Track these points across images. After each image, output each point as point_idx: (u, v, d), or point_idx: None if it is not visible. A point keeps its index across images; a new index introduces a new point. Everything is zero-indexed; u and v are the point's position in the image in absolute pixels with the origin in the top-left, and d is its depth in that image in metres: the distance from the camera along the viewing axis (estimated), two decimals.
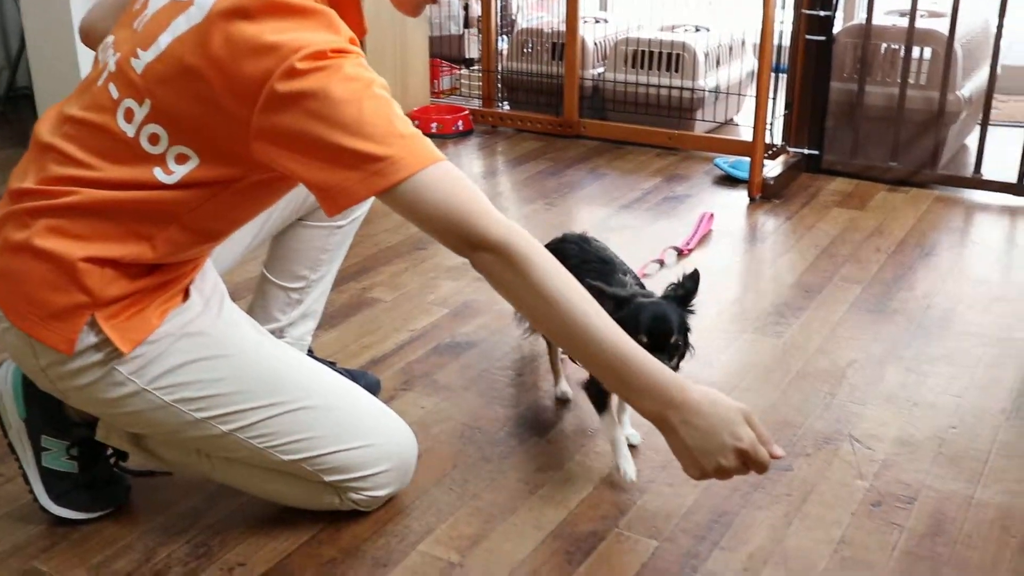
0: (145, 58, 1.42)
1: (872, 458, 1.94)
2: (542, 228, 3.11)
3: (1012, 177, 3.36)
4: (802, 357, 2.32)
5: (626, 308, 1.74)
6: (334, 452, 1.65)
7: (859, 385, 2.20)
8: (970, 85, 3.57)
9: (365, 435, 1.69)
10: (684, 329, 1.76)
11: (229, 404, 1.58)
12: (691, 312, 1.79)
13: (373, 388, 2.10)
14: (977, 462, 1.92)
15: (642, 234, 3.10)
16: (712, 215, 3.13)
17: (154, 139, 1.43)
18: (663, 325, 1.72)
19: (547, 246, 1.85)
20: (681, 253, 2.89)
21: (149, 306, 1.53)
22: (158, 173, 1.43)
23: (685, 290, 1.78)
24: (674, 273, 2.69)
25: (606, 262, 1.99)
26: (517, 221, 3.17)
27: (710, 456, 1.42)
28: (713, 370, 2.25)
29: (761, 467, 1.43)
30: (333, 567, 1.64)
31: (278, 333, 1.98)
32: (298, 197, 1.85)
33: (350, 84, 1.35)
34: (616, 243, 3.00)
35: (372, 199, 1.48)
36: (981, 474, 1.88)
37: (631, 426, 1.96)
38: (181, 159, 1.43)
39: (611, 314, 1.50)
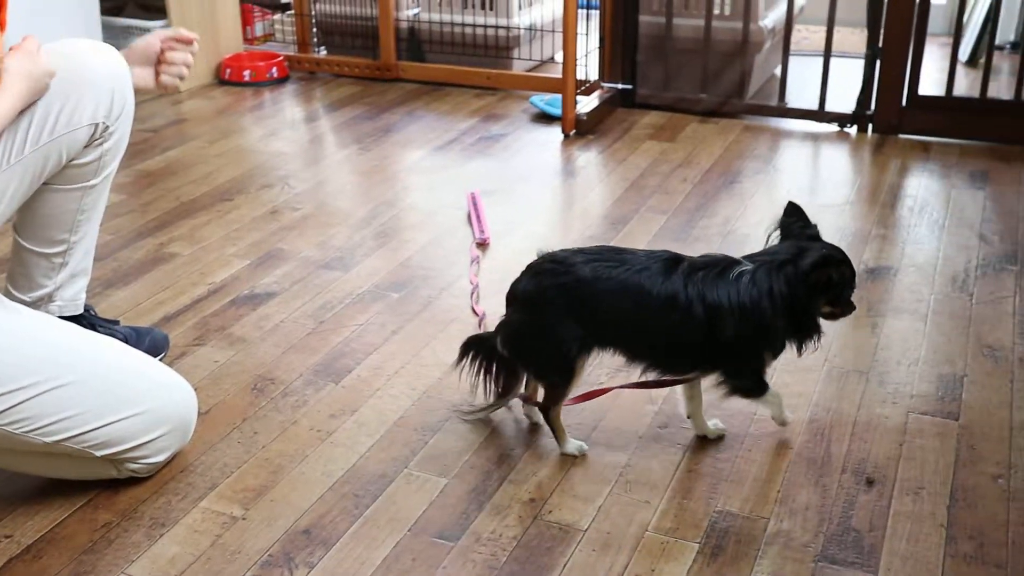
0: None
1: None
2: (355, 174, 3.05)
3: (814, 104, 3.47)
4: None
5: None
6: (101, 427, 1.57)
7: None
8: (772, 15, 3.65)
9: (135, 402, 1.61)
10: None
11: None
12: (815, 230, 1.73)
13: (160, 345, 2.03)
14: None
15: (455, 175, 3.07)
16: (475, 193, 2.82)
17: None
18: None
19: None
20: (485, 243, 2.57)
21: None
22: None
23: (808, 225, 1.73)
24: (494, 264, 2.67)
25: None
26: (330, 167, 3.15)
27: None
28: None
29: None
30: (108, 531, 1.58)
31: (47, 299, 1.87)
32: (36, 166, 1.70)
33: None
34: (428, 184, 3.00)
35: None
36: None
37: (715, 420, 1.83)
38: None
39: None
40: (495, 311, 2.20)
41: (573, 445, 1.77)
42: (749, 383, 1.76)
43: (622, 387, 1.86)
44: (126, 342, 1.88)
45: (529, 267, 1.75)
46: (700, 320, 1.65)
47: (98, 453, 1.59)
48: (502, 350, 1.75)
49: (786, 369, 2.00)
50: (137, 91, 1.84)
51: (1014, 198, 2.85)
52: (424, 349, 2.09)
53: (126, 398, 1.61)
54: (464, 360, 1.82)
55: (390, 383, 1.98)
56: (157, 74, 1.87)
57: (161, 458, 1.67)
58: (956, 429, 1.82)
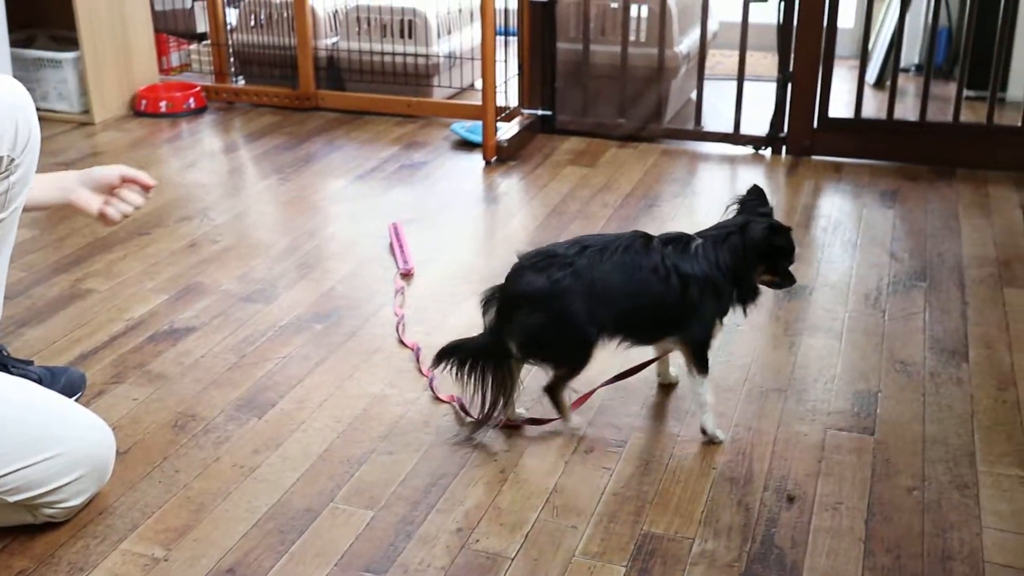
0: None
1: (588, 406, 1.99)
2: (275, 204, 3.03)
3: (730, 127, 3.54)
4: None
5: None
6: (13, 471, 1.53)
7: None
8: (687, 41, 3.72)
9: (49, 445, 1.57)
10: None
11: None
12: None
13: (76, 384, 1.98)
14: (682, 400, 2.01)
15: (376, 203, 3.07)
16: (396, 224, 2.84)
17: None
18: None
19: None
20: (408, 274, 2.57)
21: None
22: None
23: (764, 204, 1.90)
24: (418, 293, 2.66)
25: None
26: (250, 198, 3.12)
27: None
28: (442, 333, 2.25)
29: None
30: None
31: None
32: None
33: None
34: (349, 214, 2.99)
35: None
36: (686, 412, 1.98)
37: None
38: None
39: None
40: (422, 339, 2.21)
41: (575, 421, 1.91)
42: (703, 346, 1.88)
43: (607, 383, 1.99)
44: (40, 383, 1.84)
45: (523, 267, 1.85)
46: (676, 289, 1.82)
47: (11, 499, 1.55)
48: (518, 353, 1.83)
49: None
50: (72, 208, 1.87)
51: (921, 216, 2.94)
52: (348, 380, 2.08)
53: (40, 440, 1.57)
54: (441, 366, 1.88)
55: (314, 416, 1.96)
56: (105, 203, 1.88)
57: (78, 502, 1.63)
58: (872, 444, 1.87)
